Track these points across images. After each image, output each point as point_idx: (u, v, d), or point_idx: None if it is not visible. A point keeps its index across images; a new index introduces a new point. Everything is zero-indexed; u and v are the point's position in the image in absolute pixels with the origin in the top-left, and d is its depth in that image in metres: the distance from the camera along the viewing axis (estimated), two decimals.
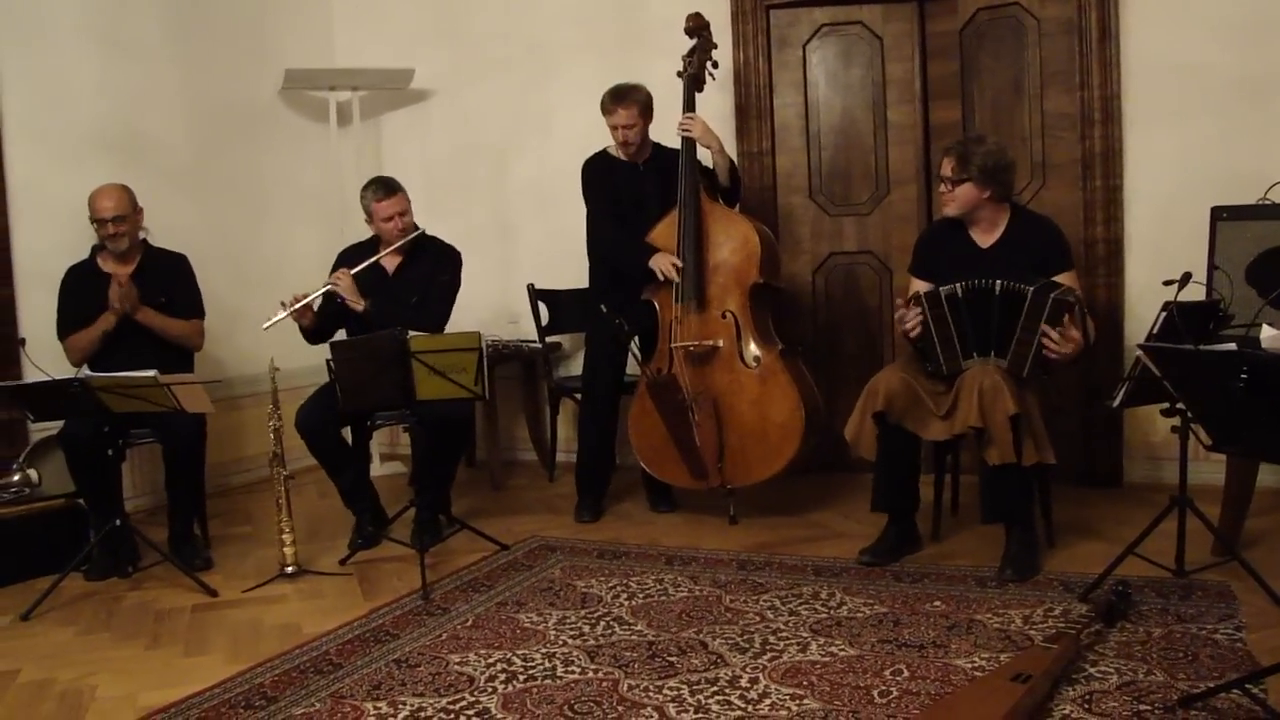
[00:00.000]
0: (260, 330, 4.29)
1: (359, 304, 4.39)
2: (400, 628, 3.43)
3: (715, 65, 4.68)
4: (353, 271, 4.44)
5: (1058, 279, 3.72)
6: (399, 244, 4.50)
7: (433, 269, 4.59)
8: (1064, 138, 4.85)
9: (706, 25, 4.63)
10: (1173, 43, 4.60)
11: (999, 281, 3.66)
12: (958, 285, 3.71)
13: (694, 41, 4.62)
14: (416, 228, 4.56)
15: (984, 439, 3.61)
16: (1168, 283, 3.23)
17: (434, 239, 4.67)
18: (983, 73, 5.01)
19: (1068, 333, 3.59)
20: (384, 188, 4.54)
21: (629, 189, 4.67)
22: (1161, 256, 4.43)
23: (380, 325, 4.14)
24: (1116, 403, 3.47)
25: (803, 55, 5.28)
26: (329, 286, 4.42)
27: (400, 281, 4.56)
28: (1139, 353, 3.16)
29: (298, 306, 4.30)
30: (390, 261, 4.59)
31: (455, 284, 4.63)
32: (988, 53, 4.99)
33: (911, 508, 3.98)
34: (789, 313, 5.32)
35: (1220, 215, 3.92)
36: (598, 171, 4.72)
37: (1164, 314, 3.28)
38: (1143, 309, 4.60)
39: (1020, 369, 3.65)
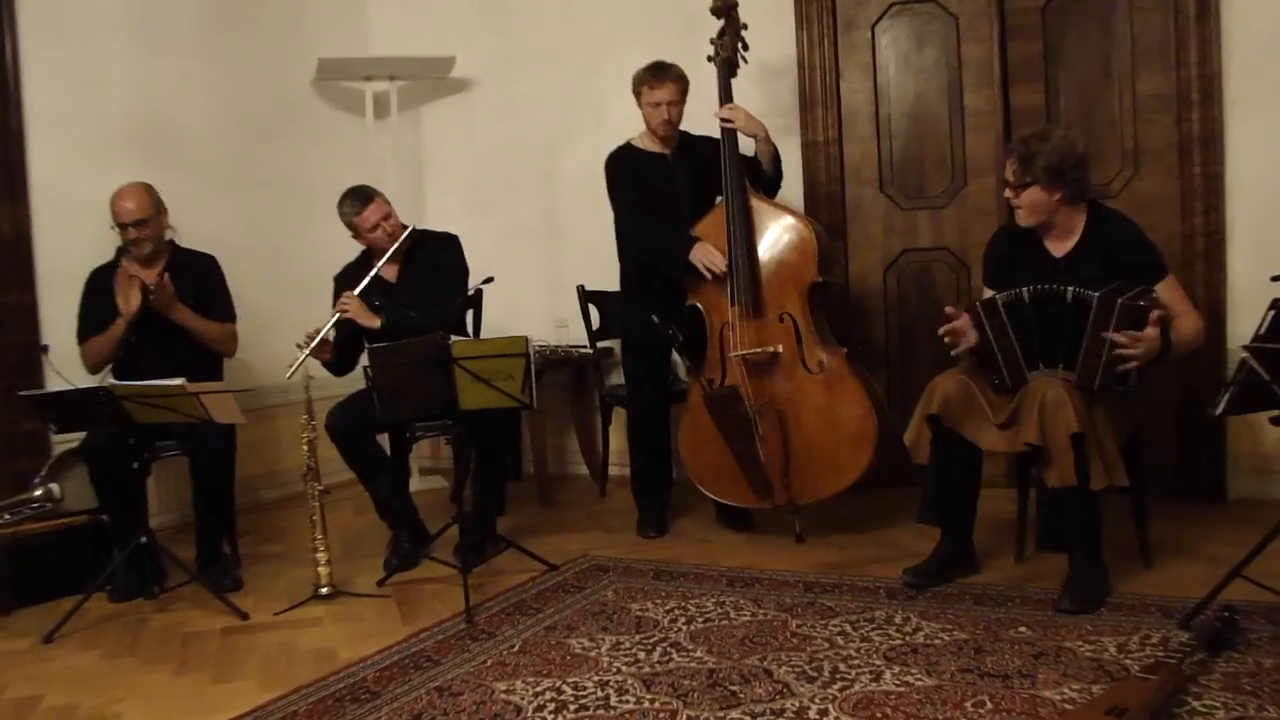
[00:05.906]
0: (289, 360, 4.25)
1: (373, 322, 4.37)
2: (442, 653, 3.43)
3: (746, 48, 4.63)
4: (356, 291, 4.40)
5: (1155, 289, 3.60)
6: (394, 248, 4.46)
7: (435, 263, 4.58)
8: (1158, 121, 4.75)
9: (735, 3, 4.58)
10: (1278, 16, 4.49)
11: (1070, 288, 3.51)
12: (1024, 290, 3.57)
13: (721, 22, 4.58)
14: (405, 227, 4.53)
15: (1043, 458, 3.51)
16: (1276, 278, 3.17)
17: (426, 232, 4.66)
18: (1068, 53, 4.94)
19: (1140, 334, 3.44)
20: (359, 197, 4.51)
21: (660, 181, 4.64)
22: (1267, 249, 4.34)
23: (401, 334, 4.14)
24: (1219, 410, 3.36)
25: (871, 37, 5.24)
26: (339, 314, 4.38)
27: (406, 287, 4.55)
28: (1245, 355, 3.08)
29: (314, 344, 4.26)
30: (390, 270, 4.57)
31: (462, 269, 4.62)
32: (1073, 31, 4.91)
33: (965, 524, 3.87)
34: (858, 315, 5.27)
35: None
36: (625, 165, 4.70)
37: (1273, 312, 3.18)
38: (1247, 307, 4.48)
39: (1090, 381, 3.51)
